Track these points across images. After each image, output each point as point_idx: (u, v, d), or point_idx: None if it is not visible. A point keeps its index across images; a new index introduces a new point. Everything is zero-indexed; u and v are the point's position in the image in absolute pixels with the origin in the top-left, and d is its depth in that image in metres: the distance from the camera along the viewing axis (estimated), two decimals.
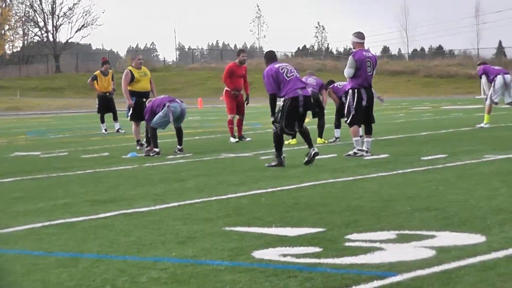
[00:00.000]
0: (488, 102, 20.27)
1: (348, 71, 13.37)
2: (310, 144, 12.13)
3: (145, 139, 15.50)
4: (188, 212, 7.94)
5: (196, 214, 7.83)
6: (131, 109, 15.90)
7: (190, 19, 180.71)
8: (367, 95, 13.38)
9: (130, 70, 16.03)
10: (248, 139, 17.68)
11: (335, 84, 16.94)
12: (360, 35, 13.63)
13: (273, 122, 12.19)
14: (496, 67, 21.51)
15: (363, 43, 13.63)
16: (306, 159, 12.03)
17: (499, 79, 20.15)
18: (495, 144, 14.61)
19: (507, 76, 20.33)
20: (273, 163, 11.96)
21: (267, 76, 12.09)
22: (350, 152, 13.25)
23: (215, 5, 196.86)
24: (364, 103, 13.34)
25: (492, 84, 20.24)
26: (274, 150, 12.07)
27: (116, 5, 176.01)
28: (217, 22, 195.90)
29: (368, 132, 13.60)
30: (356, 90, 13.32)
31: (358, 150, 13.22)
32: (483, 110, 20.90)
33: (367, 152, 13.21)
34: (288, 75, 12.08)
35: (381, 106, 32.93)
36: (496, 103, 20.58)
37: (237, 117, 17.87)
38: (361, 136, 13.67)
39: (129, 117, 16.20)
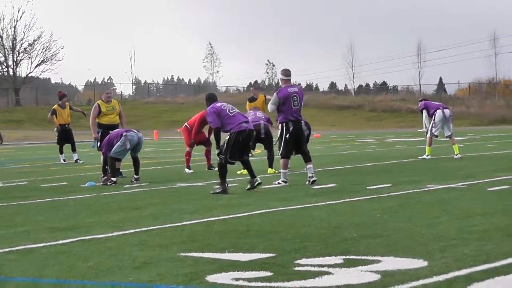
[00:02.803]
0: (429, 135, 20.84)
1: (270, 107, 14.14)
2: (252, 174, 12.93)
3: (102, 169, 15.67)
4: (145, 239, 8.11)
5: (152, 240, 8.00)
6: (97, 141, 16.26)
7: (147, 54, 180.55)
8: (294, 128, 13.89)
9: (99, 104, 16.55)
10: (215, 168, 17.92)
11: None
12: (286, 72, 14.26)
13: (218, 154, 12.88)
14: (436, 102, 22.17)
15: (289, 79, 14.23)
16: (249, 186, 12.88)
17: (438, 113, 20.76)
18: (436, 175, 15.02)
19: (446, 111, 20.95)
20: (217, 190, 12.64)
21: (210, 113, 12.92)
22: (275, 182, 13.82)
23: (170, 42, 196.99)
24: (290, 135, 13.86)
25: (433, 118, 20.83)
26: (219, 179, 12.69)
27: (75, 40, 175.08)
28: (172, 58, 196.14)
29: (307, 160, 14.01)
30: (284, 124, 13.94)
31: (282, 181, 13.77)
32: (425, 142, 21.43)
33: (311, 177, 13.71)
34: (231, 111, 12.98)
35: (329, 138, 33.30)
36: (436, 136, 21.14)
37: (205, 148, 18.47)
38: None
39: (96, 148, 16.54)
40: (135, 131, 15.44)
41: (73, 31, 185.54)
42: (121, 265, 6.70)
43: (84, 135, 38.31)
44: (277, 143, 14.39)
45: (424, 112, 21.18)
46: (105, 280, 6.14)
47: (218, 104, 13.02)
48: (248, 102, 23.58)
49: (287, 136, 13.90)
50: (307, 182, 13.70)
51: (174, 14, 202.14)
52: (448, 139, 21.12)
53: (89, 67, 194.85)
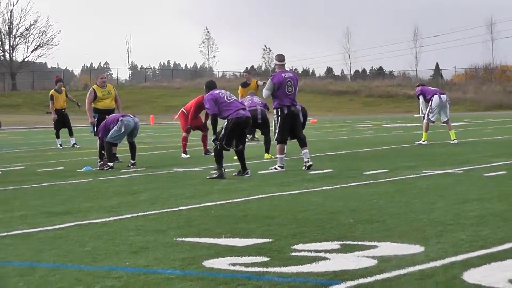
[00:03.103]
0: (425, 120, 20.84)
1: (264, 93, 14.18)
2: (243, 166, 13.06)
3: (98, 154, 15.68)
4: (141, 224, 8.13)
5: (149, 225, 8.02)
6: (94, 126, 16.25)
7: (143, 39, 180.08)
8: (289, 112, 13.89)
9: (94, 89, 16.50)
10: (212, 153, 17.95)
11: None
12: (279, 57, 14.32)
13: (214, 140, 12.97)
14: (433, 88, 22.18)
15: (284, 64, 14.27)
16: (236, 173, 13.07)
17: (435, 99, 20.74)
18: (433, 160, 15.05)
19: (443, 96, 20.93)
20: (214, 175, 12.67)
21: (208, 100, 13.02)
22: (272, 168, 13.82)
23: (166, 27, 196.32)
24: (285, 120, 13.86)
25: (429, 104, 20.82)
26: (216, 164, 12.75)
27: (72, 24, 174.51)
28: (168, 42, 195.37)
29: (302, 145, 14.02)
30: (279, 110, 13.94)
31: (279, 166, 13.76)
32: (421, 128, 21.45)
33: (307, 162, 13.71)
34: (229, 98, 13.08)
35: (326, 123, 33.31)
36: (433, 122, 21.15)
37: (201, 133, 18.47)
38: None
39: (93, 133, 16.53)
40: (132, 116, 15.44)
41: (69, 16, 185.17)
42: (118, 250, 6.73)
43: (81, 120, 38.23)
44: (273, 128, 14.40)
45: (421, 97, 21.17)
46: (102, 264, 6.17)
47: (216, 91, 13.10)
48: (240, 87, 23.60)
49: (282, 120, 13.91)
50: (303, 167, 13.71)
51: None
52: (444, 124, 21.13)
53: (86, 51, 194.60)
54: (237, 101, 13.26)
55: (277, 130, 14.02)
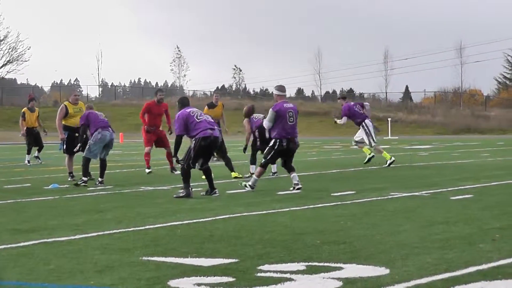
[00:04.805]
0: (374, 144, 21.09)
1: (266, 124, 14.14)
2: (211, 186, 13.08)
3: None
4: (107, 242, 8.08)
5: (115, 244, 7.97)
6: (64, 142, 16.20)
7: (114, 57, 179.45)
8: (287, 145, 13.92)
9: (66, 106, 16.43)
10: (177, 172, 17.95)
11: (252, 116, 17.31)
12: (280, 88, 14.31)
13: (177, 161, 13.11)
14: (358, 110, 21.86)
15: (284, 95, 14.26)
16: (204, 193, 13.09)
17: (368, 123, 21.07)
18: (400, 183, 15.14)
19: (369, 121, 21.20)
20: (181, 194, 12.68)
21: (178, 119, 13.07)
22: (244, 184, 13.96)
23: (137, 45, 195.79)
24: (284, 146, 13.88)
25: (366, 129, 21.05)
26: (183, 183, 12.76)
27: (42, 41, 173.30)
28: (139, 60, 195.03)
29: (291, 170, 14.05)
30: (278, 140, 13.91)
31: (250, 186, 13.80)
32: (387, 151, 21.57)
33: (296, 184, 13.76)
34: (199, 117, 13.10)
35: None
36: (376, 143, 21.34)
37: (165, 151, 18.71)
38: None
39: (62, 150, 16.49)
40: (110, 131, 15.47)
41: (40, 32, 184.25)
42: (82, 269, 6.66)
43: (51, 137, 37.96)
44: (266, 151, 14.24)
45: (345, 118, 21.46)
46: (66, 283, 6.11)
47: (188, 110, 13.15)
48: (206, 107, 23.57)
49: (276, 152, 13.93)
50: (291, 188, 13.71)
51: (142, 17, 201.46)
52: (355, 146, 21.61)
53: (56, 68, 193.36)
54: (206, 121, 13.22)
55: (268, 156, 13.98)
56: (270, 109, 14.10)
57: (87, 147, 15.24)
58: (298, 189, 13.69)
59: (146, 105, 18.72)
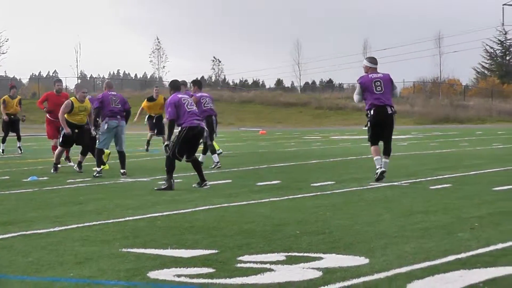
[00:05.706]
0: None
1: (355, 97, 13.80)
2: (202, 178, 12.84)
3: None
4: (87, 234, 8.06)
5: (94, 236, 7.96)
6: (62, 136, 16.22)
7: (93, 48, 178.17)
8: (378, 112, 13.36)
9: (72, 102, 16.30)
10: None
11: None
12: (371, 60, 13.94)
13: (166, 146, 12.79)
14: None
15: (375, 68, 13.73)
16: (196, 185, 12.83)
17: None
18: None
19: None
20: (162, 186, 12.51)
21: (170, 104, 12.84)
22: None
23: (116, 36, 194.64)
24: (372, 120, 13.39)
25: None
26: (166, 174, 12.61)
27: (20, 33, 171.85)
28: (118, 52, 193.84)
29: (384, 152, 13.56)
30: (368, 111, 13.48)
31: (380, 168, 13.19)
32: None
33: (382, 173, 13.24)
34: (189, 107, 12.87)
35: (275, 135, 33.39)
36: None
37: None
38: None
39: (59, 142, 16.56)
40: (117, 119, 15.53)
41: (17, 24, 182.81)
42: (62, 261, 6.65)
43: (28, 129, 37.69)
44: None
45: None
46: (45, 275, 6.10)
47: (179, 96, 12.94)
48: (146, 100, 23.61)
49: (373, 122, 13.38)
50: (376, 175, 13.24)
51: (121, 8, 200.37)
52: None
53: (34, 60, 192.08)
54: (195, 111, 13.00)
55: (368, 133, 13.51)
56: (357, 82, 13.74)
57: (98, 137, 15.66)
58: (381, 173, 13.17)
59: (45, 95, 19.63)
